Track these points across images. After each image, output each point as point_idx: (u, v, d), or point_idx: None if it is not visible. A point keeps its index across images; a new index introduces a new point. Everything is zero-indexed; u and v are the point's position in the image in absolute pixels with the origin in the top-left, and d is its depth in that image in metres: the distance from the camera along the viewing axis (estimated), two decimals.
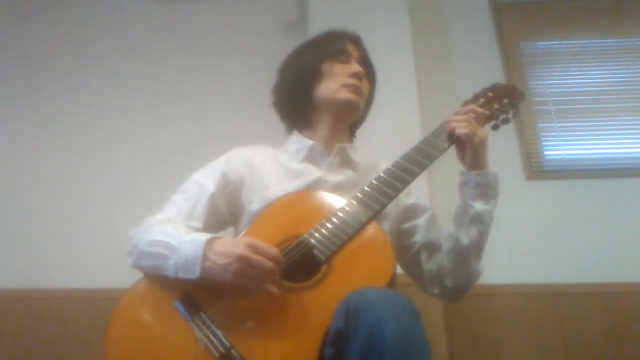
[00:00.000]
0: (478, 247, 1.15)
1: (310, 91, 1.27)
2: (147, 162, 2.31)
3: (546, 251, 2.03)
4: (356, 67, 1.26)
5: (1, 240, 2.19)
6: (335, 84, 1.25)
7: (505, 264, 1.94)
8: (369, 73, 1.32)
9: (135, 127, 2.41)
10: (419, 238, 1.24)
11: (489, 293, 1.89)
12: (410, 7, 2.26)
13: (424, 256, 1.22)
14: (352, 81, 1.25)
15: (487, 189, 1.14)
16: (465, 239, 1.14)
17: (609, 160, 2.27)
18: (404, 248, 1.25)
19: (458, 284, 1.17)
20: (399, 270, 1.13)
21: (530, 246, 2.03)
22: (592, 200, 2.14)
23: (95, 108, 2.48)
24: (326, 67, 1.26)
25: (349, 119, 1.32)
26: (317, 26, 2.04)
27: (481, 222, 1.13)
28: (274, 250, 0.97)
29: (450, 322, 1.82)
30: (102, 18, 2.72)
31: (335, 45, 1.29)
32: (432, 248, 1.22)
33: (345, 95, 1.24)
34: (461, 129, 1.13)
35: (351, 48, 1.30)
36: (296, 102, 1.30)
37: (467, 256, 1.15)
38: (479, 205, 1.13)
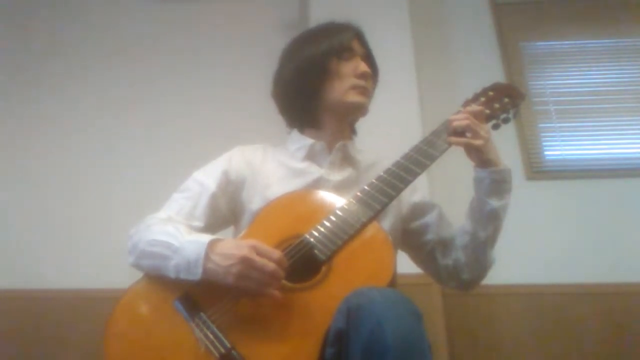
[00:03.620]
0: (493, 239, 1.18)
1: (317, 91, 1.24)
2: (147, 162, 2.31)
3: (546, 251, 2.03)
4: (362, 66, 1.25)
5: (1, 240, 2.19)
6: (343, 86, 1.23)
7: (505, 264, 1.91)
8: (371, 69, 1.30)
9: (135, 126, 2.41)
10: (431, 236, 1.24)
11: (489, 293, 1.89)
12: (410, 6, 2.27)
13: (438, 253, 1.23)
14: (360, 82, 1.24)
15: (501, 184, 1.14)
16: (482, 235, 1.16)
17: (609, 160, 2.27)
18: (417, 246, 1.26)
19: (475, 276, 1.20)
20: (401, 270, 1.13)
21: (530, 246, 2.03)
22: (592, 200, 2.14)
23: (94, 107, 2.48)
24: (332, 65, 1.23)
25: (355, 119, 1.33)
26: None
27: (497, 217, 1.15)
28: (277, 253, 0.96)
29: (450, 322, 1.82)
30: (102, 17, 2.72)
31: (339, 40, 1.25)
32: (445, 244, 1.23)
33: (354, 97, 1.23)
34: (460, 121, 1.14)
35: (355, 44, 1.28)
36: (302, 101, 1.27)
37: (484, 250, 1.17)
38: (494, 202, 1.13)
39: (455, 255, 1.21)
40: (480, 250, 1.17)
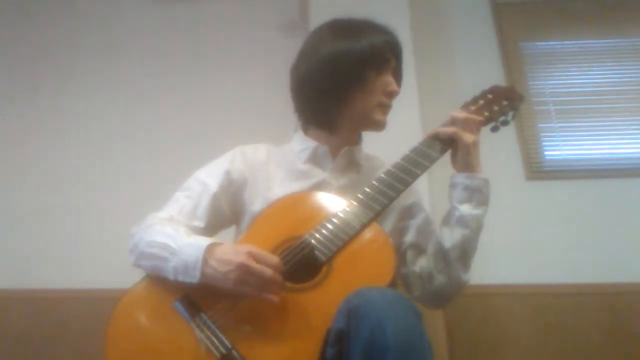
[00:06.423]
0: (461, 252, 1.11)
1: (344, 96, 1.20)
2: (147, 161, 2.31)
3: (546, 251, 2.03)
4: (393, 86, 1.23)
5: (1, 240, 2.19)
6: (372, 101, 1.20)
7: (505, 264, 1.94)
8: (398, 84, 1.28)
9: (135, 125, 2.41)
10: (408, 238, 1.22)
11: (489, 293, 1.89)
12: (410, 7, 2.26)
13: (409, 256, 1.20)
14: (387, 101, 1.23)
15: (475, 193, 1.11)
16: (447, 241, 1.11)
17: (609, 160, 2.27)
18: (395, 246, 1.23)
19: (438, 288, 1.13)
20: None
21: (530, 246, 2.03)
22: (592, 200, 2.14)
23: (94, 106, 2.48)
24: (370, 75, 1.19)
25: (368, 131, 1.30)
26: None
27: (465, 225, 1.10)
28: (275, 259, 0.97)
29: (450, 322, 1.82)
30: (102, 17, 2.72)
31: (379, 49, 1.20)
32: (419, 249, 1.21)
33: (379, 116, 1.22)
34: (446, 130, 1.14)
35: (391, 57, 1.24)
36: (324, 100, 1.22)
37: (448, 260, 1.11)
38: (464, 208, 1.11)
39: (423, 263, 1.17)
40: (445, 260, 1.11)
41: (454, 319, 1.85)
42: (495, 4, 2.60)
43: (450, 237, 1.11)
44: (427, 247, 1.19)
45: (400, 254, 1.22)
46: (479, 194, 1.12)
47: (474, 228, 1.11)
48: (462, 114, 1.17)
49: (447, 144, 1.15)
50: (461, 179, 1.13)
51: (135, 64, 2.57)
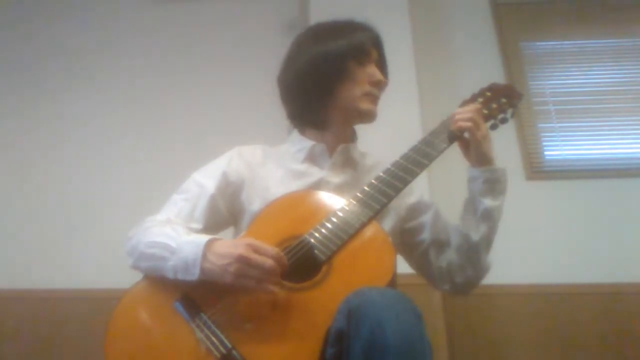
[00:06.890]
0: (487, 242, 1.16)
1: (330, 90, 1.21)
2: (146, 162, 2.31)
3: (546, 251, 2.03)
4: (378, 75, 1.23)
5: (1, 240, 2.19)
6: (358, 91, 1.21)
7: (505, 264, 1.91)
8: (384, 75, 1.28)
9: (135, 126, 2.42)
10: (426, 235, 1.24)
11: (489, 293, 1.89)
12: (410, 7, 2.27)
13: (432, 253, 1.23)
14: (374, 90, 1.23)
15: (495, 184, 1.14)
16: (475, 235, 1.15)
17: (609, 160, 2.27)
18: (411, 246, 1.25)
19: (468, 279, 1.19)
20: (401, 270, 1.13)
21: (530, 246, 2.03)
22: (592, 200, 2.14)
23: (94, 107, 2.49)
24: (350, 67, 1.20)
25: (361, 124, 1.30)
26: None
27: (490, 217, 1.14)
28: (274, 250, 0.96)
29: (450, 322, 1.82)
30: (101, 17, 2.73)
31: (359, 42, 1.22)
32: (440, 244, 1.23)
33: (367, 105, 1.22)
34: (464, 122, 1.14)
35: (372, 48, 1.25)
36: (311, 97, 1.24)
37: (477, 252, 1.16)
38: (488, 201, 1.13)
39: (449, 257, 1.20)
40: (474, 252, 1.16)
41: (454, 319, 1.85)
42: (495, 4, 2.61)
43: (477, 230, 1.15)
44: (448, 240, 1.21)
45: (420, 252, 1.24)
46: (498, 185, 1.15)
47: (497, 218, 1.16)
48: (466, 108, 1.18)
49: (452, 138, 1.15)
50: (481, 172, 1.15)
51: (135, 64, 2.57)
